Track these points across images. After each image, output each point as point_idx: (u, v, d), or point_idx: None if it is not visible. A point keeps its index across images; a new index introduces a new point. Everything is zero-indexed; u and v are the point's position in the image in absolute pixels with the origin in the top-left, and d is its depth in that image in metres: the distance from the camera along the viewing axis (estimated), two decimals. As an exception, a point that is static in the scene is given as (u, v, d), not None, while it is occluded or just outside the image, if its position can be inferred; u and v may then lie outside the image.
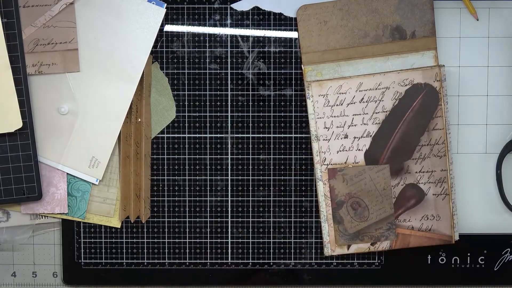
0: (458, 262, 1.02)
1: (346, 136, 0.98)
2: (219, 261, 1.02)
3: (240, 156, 1.01)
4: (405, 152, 0.98)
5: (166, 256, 1.02)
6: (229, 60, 1.00)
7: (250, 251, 1.02)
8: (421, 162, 0.98)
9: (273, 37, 1.00)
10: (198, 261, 1.02)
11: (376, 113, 0.97)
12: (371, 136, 0.98)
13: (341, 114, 0.98)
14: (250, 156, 1.01)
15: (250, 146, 1.01)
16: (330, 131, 0.98)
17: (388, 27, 0.97)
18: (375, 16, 0.97)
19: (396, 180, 0.98)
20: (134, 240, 1.02)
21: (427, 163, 0.98)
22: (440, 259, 1.02)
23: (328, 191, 0.98)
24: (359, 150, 0.98)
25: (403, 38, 0.97)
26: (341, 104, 0.97)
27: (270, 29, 1.00)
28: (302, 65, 0.98)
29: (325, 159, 0.98)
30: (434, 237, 0.99)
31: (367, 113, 0.97)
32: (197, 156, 1.01)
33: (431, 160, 0.98)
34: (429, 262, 1.02)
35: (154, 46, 0.99)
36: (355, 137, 0.98)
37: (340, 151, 0.98)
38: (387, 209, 0.99)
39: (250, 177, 1.01)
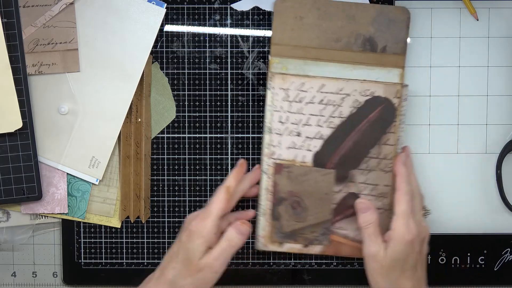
0: (458, 262, 1.02)
1: (299, 134, 0.97)
2: (219, 261, 1.02)
3: (240, 156, 1.01)
4: (353, 161, 0.97)
5: (166, 256, 1.02)
6: (229, 60, 1.00)
7: (250, 251, 1.02)
8: (366, 174, 0.97)
9: (273, 37, 1.00)
10: (198, 261, 1.02)
11: (333, 117, 0.97)
12: (323, 139, 0.97)
13: (298, 111, 0.97)
14: (250, 156, 1.01)
15: (250, 146, 1.01)
16: (284, 126, 0.97)
17: (361, 37, 0.97)
18: (351, 23, 0.97)
19: (339, 187, 0.98)
20: (134, 240, 1.02)
21: (372, 176, 0.97)
22: (440, 259, 1.02)
23: (271, 185, 0.98)
24: (309, 150, 0.97)
25: (373, 51, 0.97)
26: (300, 102, 0.97)
27: (270, 29, 1.00)
28: (269, 56, 0.98)
29: (274, 153, 0.97)
30: None
31: (323, 116, 0.97)
32: (197, 156, 1.01)
33: (377, 174, 0.97)
34: (429, 262, 1.02)
35: (154, 46, 0.99)
36: (307, 137, 0.97)
37: (290, 148, 0.97)
38: (325, 214, 0.98)
39: (250, 177, 1.01)
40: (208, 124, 1.01)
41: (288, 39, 0.97)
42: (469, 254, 1.01)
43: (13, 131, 0.95)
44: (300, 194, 0.97)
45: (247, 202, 1.01)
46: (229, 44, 1.00)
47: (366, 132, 0.97)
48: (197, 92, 1.00)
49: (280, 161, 0.97)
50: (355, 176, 0.97)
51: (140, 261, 1.02)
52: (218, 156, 1.01)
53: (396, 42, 0.97)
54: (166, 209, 1.01)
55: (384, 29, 0.97)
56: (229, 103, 1.00)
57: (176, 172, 1.01)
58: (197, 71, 1.00)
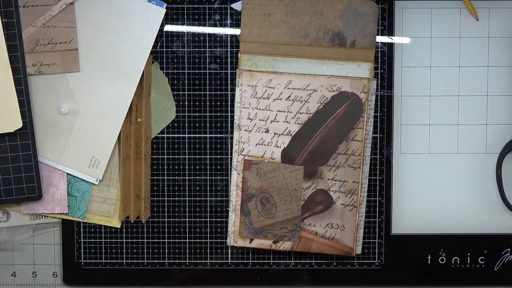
0: (458, 262, 1.02)
1: (267, 131, 0.97)
2: (219, 261, 1.02)
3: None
4: (321, 157, 0.97)
5: (166, 256, 1.02)
6: (229, 60, 1.00)
7: (250, 251, 1.02)
8: (335, 170, 0.97)
9: (273, 37, 1.00)
10: (198, 261, 1.02)
11: (300, 113, 0.97)
12: (291, 135, 0.97)
13: (266, 108, 0.97)
14: (250, 156, 1.01)
15: (250, 146, 1.01)
16: (253, 123, 0.97)
17: (329, 32, 0.97)
18: (319, 18, 0.97)
19: (308, 183, 0.98)
20: (134, 240, 1.02)
21: (340, 172, 0.97)
22: (440, 259, 1.02)
23: (240, 181, 0.98)
24: (277, 147, 0.98)
25: (342, 45, 0.97)
26: (268, 98, 0.97)
27: (270, 29, 1.00)
28: (239, 53, 0.98)
29: (243, 149, 0.98)
30: (335, 247, 0.99)
31: (291, 112, 0.97)
32: (197, 156, 1.01)
33: (345, 170, 0.97)
34: (429, 262, 1.02)
35: (154, 46, 0.99)
36: (275, 133, 0.98)
37: (259, 144, 0.98)
38: (294, 210, 0.98)
39: (250, 177, 1.01)
40: (208, 124, 1.01)
41: (257, 36, 0.97)
42: (469, 254, 1.01)
43: (13, 131, 0.95)
44: (269, 190, 0.98)
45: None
46: (229, 44, 1.00)
47: (334, 128, 0.97)
48: (197, 92, 1.00)
49: (249, 158, 0.98)
50: (324, 172, 0.97)
51: (140, 261, 1.02)
52: (218, 156, 1.01)
53: (365, 37, 0.97)
54: (166, 209, 1.01)
55: (352, 24, 0.97)
56: (229, 103, 1.00)
57: (176, 172, 1.01)
58: (197, 71, 1.00)
